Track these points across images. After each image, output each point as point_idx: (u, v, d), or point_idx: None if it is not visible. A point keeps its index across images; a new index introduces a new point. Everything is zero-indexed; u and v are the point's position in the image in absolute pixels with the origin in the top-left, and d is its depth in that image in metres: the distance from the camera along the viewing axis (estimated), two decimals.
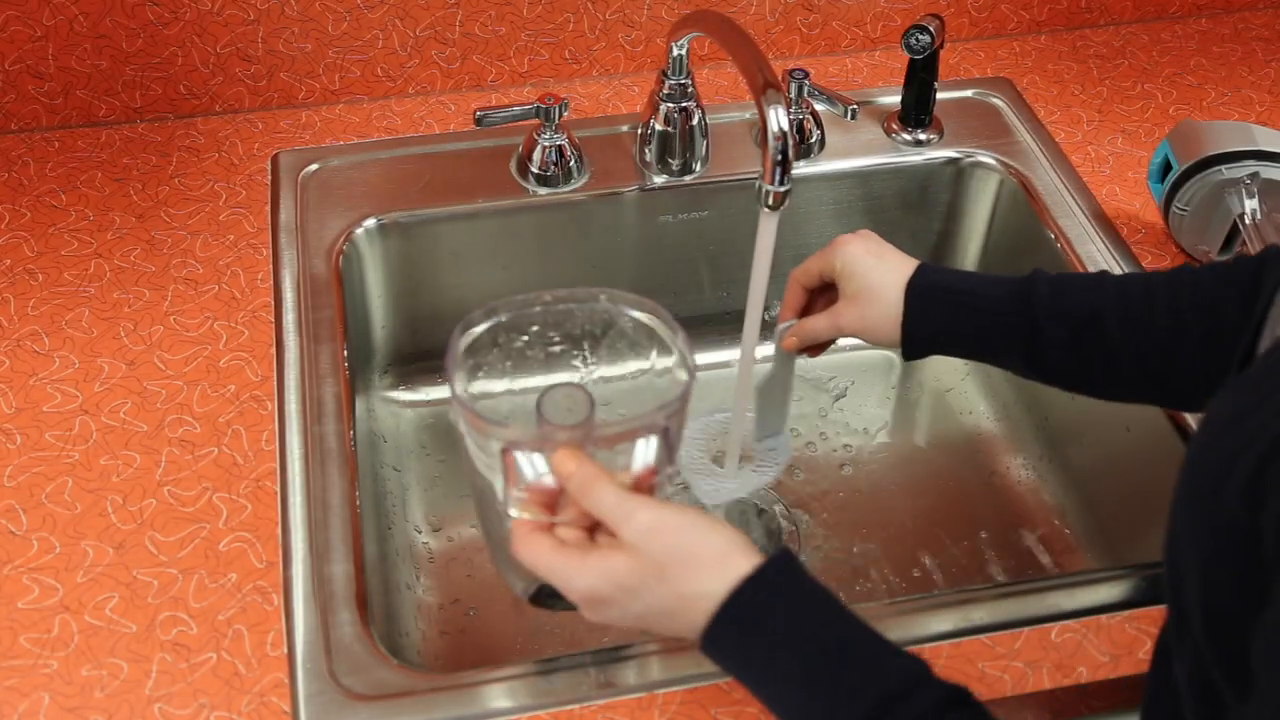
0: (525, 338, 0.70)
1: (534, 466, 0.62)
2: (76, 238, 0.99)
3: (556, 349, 0.71)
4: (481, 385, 0.70)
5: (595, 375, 0.78)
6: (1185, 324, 0.72)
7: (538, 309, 0.68)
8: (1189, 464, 0.53)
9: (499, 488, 0.63)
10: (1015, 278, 0.77)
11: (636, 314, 0.68)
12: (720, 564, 0.59)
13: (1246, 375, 0.54)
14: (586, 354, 0.73)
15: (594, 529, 0.62)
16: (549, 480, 0.61)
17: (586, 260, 1.08)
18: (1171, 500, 0.54)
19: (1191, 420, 0.87)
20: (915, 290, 0.77)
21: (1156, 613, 0.75)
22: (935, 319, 0.77)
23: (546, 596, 0.68)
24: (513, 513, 0.62)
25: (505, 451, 0.61)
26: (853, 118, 1.01)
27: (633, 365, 0.72)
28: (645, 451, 0.62)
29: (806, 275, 0.82)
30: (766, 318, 0.89)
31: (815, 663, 0.58)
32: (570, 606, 0.64)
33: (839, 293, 0.80)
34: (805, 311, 0.83)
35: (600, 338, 0.72)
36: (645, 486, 0.62)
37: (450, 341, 0.65)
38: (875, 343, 0.79)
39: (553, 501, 0.62)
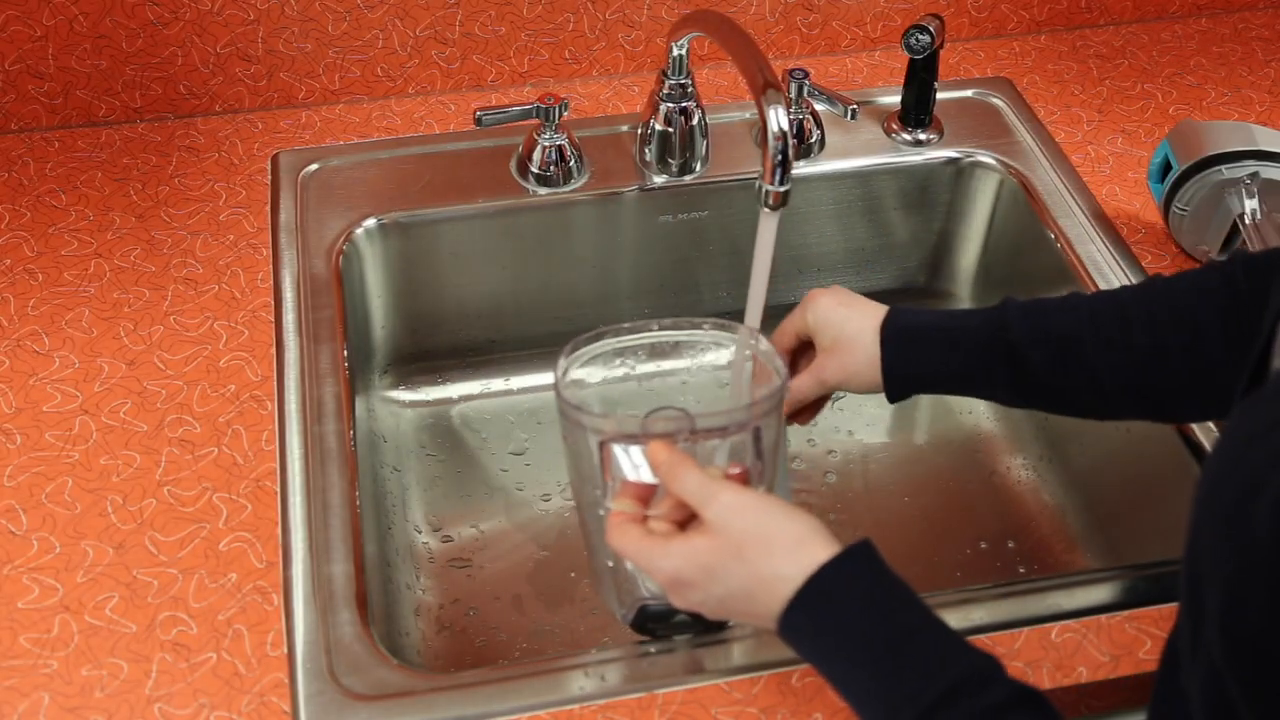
0: (628, 362, 0.79)
1: (630, 460, 0.66)
2: (76, 238, 0.99)
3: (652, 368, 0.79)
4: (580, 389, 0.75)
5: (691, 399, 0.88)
6: (1163, 338, 0.72)
7: (645, 337, 0.75)
8: (1210, 479, 0.52)
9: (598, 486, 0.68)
10: (987, 309, 0.77)
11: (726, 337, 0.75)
12: (797, 548, 0.61)
13: (1268, 389, 0.53)
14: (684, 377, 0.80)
15: (685, 524, 0.65)
16: (646, 475, 0.65)
17: (587, 260, 1.08)
18: (1191, 513, 0.53)
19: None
20: (889, 332, 0.77)
21: (1156, 613, 0.75)
22: (913, 359, 0.77)
23: (648, 620, 0.71)
24: (608, 504, 0.66)
25: (603, 445, 0.66)
26: (853, 117, 1.01)
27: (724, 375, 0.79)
28: (736, 451, 0.67)
29: (783, 336, 0.82)
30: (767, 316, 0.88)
31: (887, 651, 0.59)
32: (674, 630, 0.71)
33: (816, 348, 0.80)
34: (791, 372, 0.82)
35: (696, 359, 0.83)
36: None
37: (561, 356, 0.73)
38: (859, 391, 0.79)
39: (648, 496, 0.67)
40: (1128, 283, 0.97)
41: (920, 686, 0.58)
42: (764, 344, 0.74)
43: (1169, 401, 0.74)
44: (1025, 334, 0.75)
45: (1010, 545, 1.01)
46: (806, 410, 0.83)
